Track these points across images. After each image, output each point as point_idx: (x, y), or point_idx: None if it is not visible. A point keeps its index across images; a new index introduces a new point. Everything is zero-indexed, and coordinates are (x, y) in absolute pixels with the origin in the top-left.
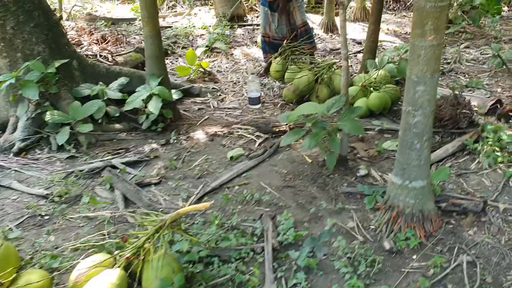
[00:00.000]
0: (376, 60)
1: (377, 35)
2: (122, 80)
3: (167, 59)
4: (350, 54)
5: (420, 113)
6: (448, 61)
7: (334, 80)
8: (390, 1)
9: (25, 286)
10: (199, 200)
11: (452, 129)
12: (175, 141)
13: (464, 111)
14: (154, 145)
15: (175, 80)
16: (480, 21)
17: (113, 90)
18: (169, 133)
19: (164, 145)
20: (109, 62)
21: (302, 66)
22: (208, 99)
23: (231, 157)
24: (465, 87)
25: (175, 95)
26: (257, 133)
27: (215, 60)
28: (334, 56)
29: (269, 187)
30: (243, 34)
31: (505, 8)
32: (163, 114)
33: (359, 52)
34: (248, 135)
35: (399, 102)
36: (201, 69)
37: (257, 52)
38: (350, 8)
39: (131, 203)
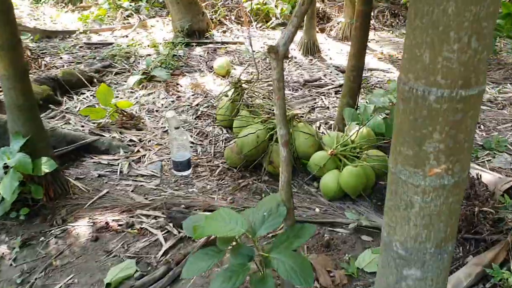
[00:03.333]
0: (363, 104)
1: (360, 72)
2: None
3: (89, 90)
4: (329, 89)
5: None
6: None
7: (296, 140)
8: (387, 16)
9: None
10: None
11: (466, 234)
12: (42, 238)
13: (485, 208)
14: (3, 247)
15: (82, 127)
16: (496, 44)
17: None
18: (38, 223)
19: (22, 246)
20: None
21: (255, 114)
22: (118, 159)
23: (108, 284)
24: (480, 148)
25: (46, 166)
26: (170, 227)
27: (151, 94)
28: (309, 91)
29: None
30: (200, 56)
31: None
32: (30, 192)
33: (340, 87)
34: (155, 230)
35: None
36: (122, 111)
37: (211, 83)
38: (338, 24)
39: None
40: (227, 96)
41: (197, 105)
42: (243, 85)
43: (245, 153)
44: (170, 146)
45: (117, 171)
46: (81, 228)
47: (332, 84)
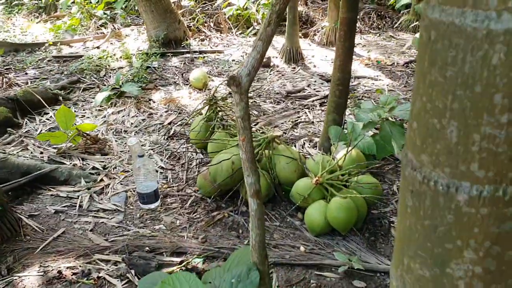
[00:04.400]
0: (352, 121)
1: (347, 85)
2: None
3: (54, 110)
4: (313, 101)
5: None
6: None
7: (276, 164)
8: (373, 18)
9: None
10: None
11: None
12: None
13: None
14: None
15: (41, 153)
16: None
17: None
18: None
19: None
20: None
21: (231, 136)
22: (79, 190)
23: None
24: None
25: None
26: (131, 275)
27: (121, 111)
28: (292, 103)
29: None
30: (176, 67)
31: None
32: None
33: (325, 98)
34: (114, 280)
35: (381, 204)
36: (85, 135)
37: (187, 97)
38: (322, 28)
39: None
40: (201, 114)
41: (170, 123)
42: (218, 101)
43: (219, 182)
44: (134, 177)
45: (76, 206)
46: (29, 280)
47: (317, 95)
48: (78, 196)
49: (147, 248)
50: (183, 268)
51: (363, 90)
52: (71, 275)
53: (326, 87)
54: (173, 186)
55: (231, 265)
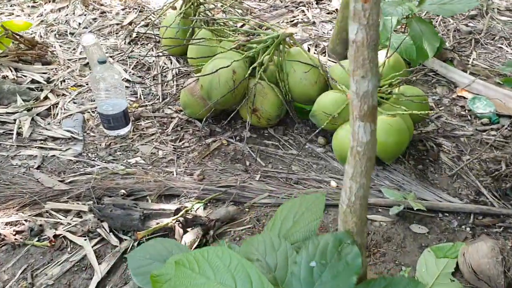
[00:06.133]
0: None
1: None
2: None
3: None
4: None
5: None
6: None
7: (290, 75)
8: None
9: None
10: None
11: None
12: None
13: None
14: None
15: None
16: None
17: None
18: None
19: None
20: None
21: (220, 36)
22: (15, 112)
23: None
24: None
25: None
26: (104, 231)
27: (62, 9)
28: (295, 11)
29: None
30: None
31: None
32: None
33: None
34: (80, 240)
35: (427, 123)
36: (16, 36)
37: None
38: None
39: None
40: (174, 8)
41: (130, 23)
42: None
43: (215, 99)
44: (93, 92)
45: (12, 133)
46: None
47: None
48: (15, 120)
49: (123, 191)
50: (182, 219)
51: None
52: (14, 235)
53: None
54: (145, 105)
55: (293, 229)
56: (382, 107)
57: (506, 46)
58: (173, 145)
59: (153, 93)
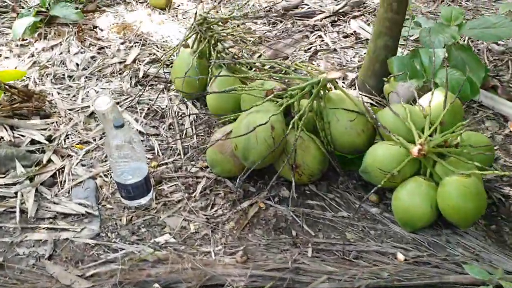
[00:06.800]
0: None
1: None
2: None
3: None
4: (321, 20)
5: None
6: None
7: (332, 123)
8: None
9: None
10: None
11: None
12: None
13: None
14: None
15: None
16: None
17: None
18: None
19: None
20: None
21: (244, 78)
22: (15, 183)
23: None
24: None
25: None
26: None
27: (56, 46)
28: (293, 23)
29: None
30: None
31: None
32: None
33: (336, 14)
34: None
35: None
36: (9, 88)
37: (147, 20)
38: None
39: None
40: (186, 46)
41: (134, 61)
42: (213, 26)
43: (252, 160)
44: (109, 159)
45: (15, 211)
46: None
47: (323, 12)
48: (16, 193)
49: (156, 285)
50: None
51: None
52: None
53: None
54: (166, 163)
55: None
56: (448, 161)
57: None
58: (204, 215)
59: (171, 147)
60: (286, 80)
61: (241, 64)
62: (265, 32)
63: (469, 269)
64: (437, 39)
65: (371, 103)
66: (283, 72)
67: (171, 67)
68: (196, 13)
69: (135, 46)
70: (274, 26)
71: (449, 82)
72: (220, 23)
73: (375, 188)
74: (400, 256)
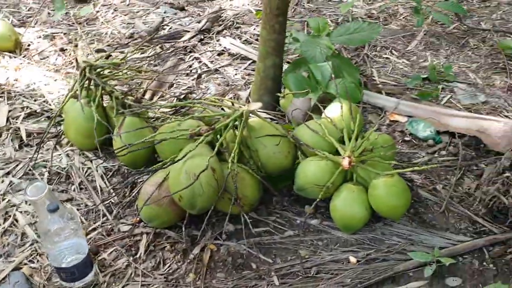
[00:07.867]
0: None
1: (286, 14)
2: None
3: None
4: (189, 40)
5: None
6: None
7: (259, 151)
8: None
9: None
10: None
11: None
12: None
13: None
14: None
15: None
16: None
17: None
18: None
19: None
20: None
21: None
22: None
23: None
24: (427, 83)
25: None
26: None
27: None
28: (161, 47)
29: None
30: None
31: None
32: None
33: (201, 32)
34: None
35: None
36: None
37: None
38: None
39: None
40: (74, 97)
41: (8, 120)
42: (101, 68)
43: (200, 207)
44: (45, 246)
45: None
46: None
47: (187, 31)
48: None
49: None
50: None
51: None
52: None
53: (185, 17)
54: (94, 229)
55: None
56: (368, 164)
57: (391, 55)
58: (160, 274)
59: (92, 208)
60: (205, 118)
61: (147, 107)
62: (147, 64)
63: (413, 255)
64: (317, 52)
65: (271, 118)
66: (201, 111)
67: (58, 120)
68: (77, 60)
69: (0, 102)
70: (143, 53)
71: (341, 90)
72: (111, 67)
73: (315, 203)
74: (353, 259)
